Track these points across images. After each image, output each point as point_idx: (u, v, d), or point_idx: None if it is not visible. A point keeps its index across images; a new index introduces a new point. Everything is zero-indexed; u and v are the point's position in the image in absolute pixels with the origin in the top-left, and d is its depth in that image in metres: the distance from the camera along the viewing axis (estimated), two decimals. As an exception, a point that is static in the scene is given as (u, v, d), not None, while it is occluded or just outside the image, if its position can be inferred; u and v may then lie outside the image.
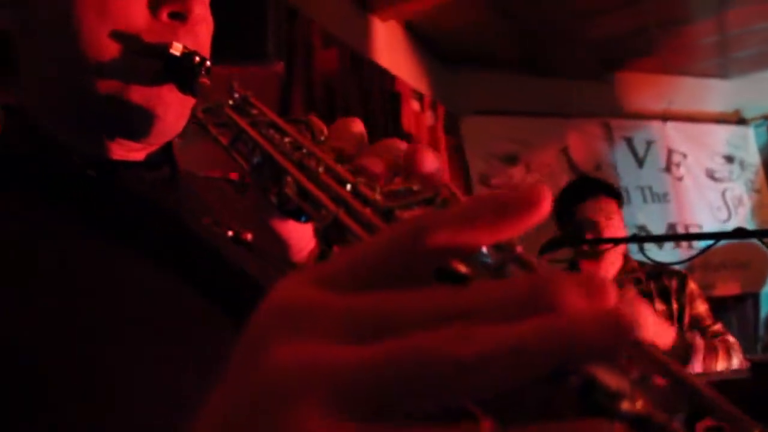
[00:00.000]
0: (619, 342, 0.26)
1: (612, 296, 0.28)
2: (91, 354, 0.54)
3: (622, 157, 4.60)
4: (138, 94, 0.66)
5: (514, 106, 4.36)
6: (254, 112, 0.62)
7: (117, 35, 0.64)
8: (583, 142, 4.52)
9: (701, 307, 2.26)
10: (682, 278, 2.32)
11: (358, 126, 0.56)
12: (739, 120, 4.97)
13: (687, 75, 4.83)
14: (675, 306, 2.29)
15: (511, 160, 4.33)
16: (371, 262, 0.30)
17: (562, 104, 4.45)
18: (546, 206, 0.31)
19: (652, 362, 0.32)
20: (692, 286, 2.31)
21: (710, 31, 4.37)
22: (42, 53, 0.69)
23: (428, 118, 3.98)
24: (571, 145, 4.50)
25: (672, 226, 4.51)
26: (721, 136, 4.87)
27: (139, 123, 0.68)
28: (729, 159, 4.85)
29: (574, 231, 2.36)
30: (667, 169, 4.70)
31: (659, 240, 2.22)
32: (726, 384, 1.13)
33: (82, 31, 0.64)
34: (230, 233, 0.64)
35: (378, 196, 0.42)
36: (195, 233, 0.65)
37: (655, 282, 2.31)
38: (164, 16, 0.66)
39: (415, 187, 0.46)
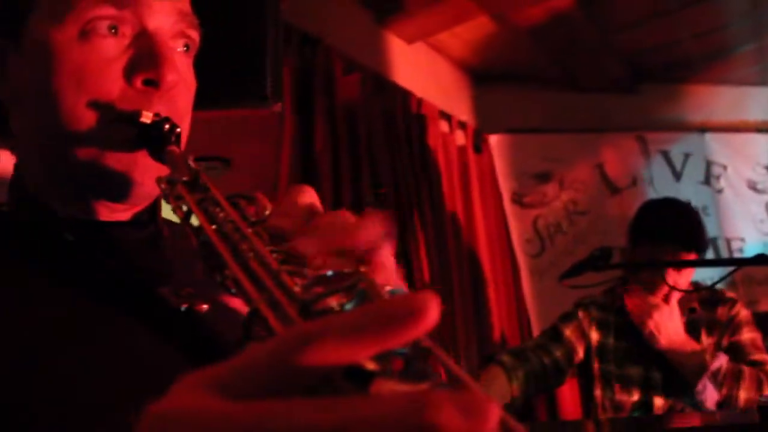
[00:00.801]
0: None
1: (493, 418, 0.29)
2: (44, 392, 0.56)
3: (658, 170, 4.50)
4: (114, 160, 0.69)
5: (546, 123, 4.32)
6: (205, 188, 0.62)
7: (93, 104, 0.68)
8: (618, 156, 4.44)
9: (746, 335, 2.07)
10: (732, 306, 2.11)
11: (306, 197, 0.56)
12: (782, 128, 4.83)
13: (725, 84, 4.71)
14: (719, 338, 2.10)
15: (544, 177, 4.28)
16: (257, 371, 0.31)
17: (596, 119, 4.39)
18: (433, 316, 0.32)
19: None
20: (742, 314, 2.10)
21: (747, 38, 4.26)
22: (27, 122, 0.74)
23: (457, 138, 3.97)
24: (605, 160, 4.42)
25: (713, 241, 4.39)
26: (763, 145, 4.72)
27: (117, 187, 0.71)
28: (772, 169, 4.71)
29: (600, 256, 2.31)
30: (707, 181, 4.58)
31: (681, 265, 2.11)
32: (732, 428, 1.08)
33: (60, 102, 0.68)
34: (184, 305, 0.64)
35: (297, 288, 0.44)
36: (146, 301, 0.66)
37: (708, 311, 2.13)
38: (138, 83, 0.69)
39: (347, 269, 0.47)
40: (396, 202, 3.11)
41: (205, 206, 0.59)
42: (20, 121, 0.74)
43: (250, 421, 0.29)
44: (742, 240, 4.45)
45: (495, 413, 0.29)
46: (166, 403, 0.31)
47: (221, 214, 0.57)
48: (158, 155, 0.68)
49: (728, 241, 4.43)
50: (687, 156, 4.57)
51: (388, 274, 0.50)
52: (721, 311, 2.11)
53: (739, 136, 4.68)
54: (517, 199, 4.20)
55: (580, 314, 2.24)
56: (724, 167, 4.62)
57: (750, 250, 4.39)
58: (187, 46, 0.76)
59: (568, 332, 2.22)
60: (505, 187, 4.18)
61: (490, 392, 2.02)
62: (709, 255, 3.92)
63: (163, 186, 0.65)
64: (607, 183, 4.40)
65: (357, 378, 0.33)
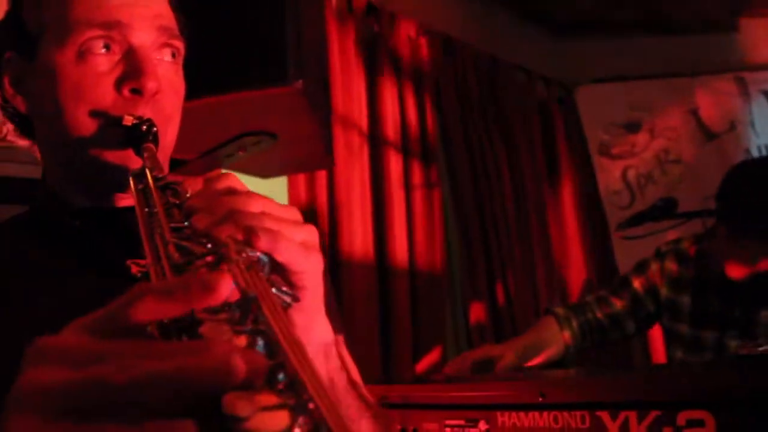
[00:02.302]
0: (228, 382, 0.37)
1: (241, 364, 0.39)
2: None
3: (760, 112, 4.26)
4: (112, 156, 0.84)
5: (634, 70, 4.18)
6: (149, 178, 0.75)
7: (90, 113, 0.82)
8: (713, 100, 4.24)
9: None
10: None
11: (224, 183, 0.67)
12: None
13: (837, 12, 4.37)
14: None
15: (634, 127, 4.17)
16: (107, 318, 0.44)
17: (688, 62, 4.19)
18: (222, 292, 0.44)
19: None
20: None
21: None
22: (43, 131, 0.90)
23: (539, 92, 3.95)
24: (700, 105, 4.23)
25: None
26: None
27: (117, 179, 0.84)
28: None
29: (662, 206, 2.27)
30: (816, 121, 4.30)
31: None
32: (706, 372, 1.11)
33: (65, 113, 0.83)
34: (139, 274, 0.78)
35: (176, 254, 0.56)
36: (121, 272, 0.80)
37: None
38: (126, 92, 0.83)
39: (225, 238, 0.59)
40: (471, 164, 3.17)
41: (145, 192, 0.71)
42: (39, 130, 0.91)
43: (83, 349, 0.42)
44: None
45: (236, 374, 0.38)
46: (48, 338, 0.44)
47: (157, 199, 0.69)
48: (138, 151, 0.81)
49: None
50: (794, 94, 4.30)
51: (270, 240, 0.61)
52: None
53: None
54: (605, 151, 4.12)
55: (653, 266, 2.14)
56: (837, 104, 4.31)
57: None
58: (173, 54, 0.89)
59: (636, 284, 2.15)
60: (592, 138, 4.11)
61: (543, 336, 2.06)
62: None
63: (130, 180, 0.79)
64: (702, 129, 4.22)
65: (190, 324, 0.46)
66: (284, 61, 1.45)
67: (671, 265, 2.11)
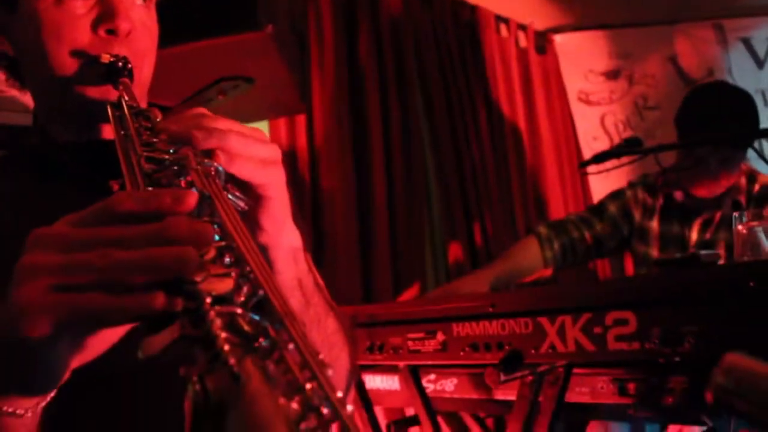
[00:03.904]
0: (187, 267, 0.48)
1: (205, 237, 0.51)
2: None
3: (738, 59, 4.34)
4: (94, 92, 0.93)
5: (614, 19, 4.25)
6: (124, 106, 0.85)
7: (71, 53, 0.92)
8: (692, 47, 4.32)
9: None
10: None
11: (193, 110, 0.77)
12: None
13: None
14: None
15: (613, 74, 4.26)
16: (88, 212, 0.55)
17: (667, 10, 4.26)
18: (189, 204, 0.54)
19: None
20: None
21: None
22: (30, 73, 1.00)
23: (519, 40, 4.02)
24: (679, 52, 4.32)
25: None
26: None
27: (99, 111, 0.91)
28: None
29: (626, 145, 2.37)
30: (793, 67, 4.38)
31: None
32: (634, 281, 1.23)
33: (47, 54, 0.92)
34: (116, 188, 0.89)
35: (147, 165, 0.66)
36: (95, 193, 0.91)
37: (757, 204, 2.06)
38: (102, 32, 0.92)
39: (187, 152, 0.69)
40: (449, 109, 3.26)
41: (121, 118, 0.82)
42: (27, 74, 1.00)
43: (69, 236, 0.52)
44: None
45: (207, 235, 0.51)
46: (43, 228, 0.54)
47: (134, 125, 0.80)
48: (116, 85, 0.91)
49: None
50: (771, 41, 4.37)
51: (228, 158, 0.70)
52: None
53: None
54: (584, 98, 4.22)
55: (628, 193, 2.33)
56: (814, 50, 4.38)
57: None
58: None
59: (612, 208, 2.32)
60: (571, 86, 4.20)
61: (520, 260, 2.19)
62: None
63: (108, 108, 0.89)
64: (681, 76, 4.31)
65: None
66: (254, 7, 1.55)
67: (641, 194, 2.31)
